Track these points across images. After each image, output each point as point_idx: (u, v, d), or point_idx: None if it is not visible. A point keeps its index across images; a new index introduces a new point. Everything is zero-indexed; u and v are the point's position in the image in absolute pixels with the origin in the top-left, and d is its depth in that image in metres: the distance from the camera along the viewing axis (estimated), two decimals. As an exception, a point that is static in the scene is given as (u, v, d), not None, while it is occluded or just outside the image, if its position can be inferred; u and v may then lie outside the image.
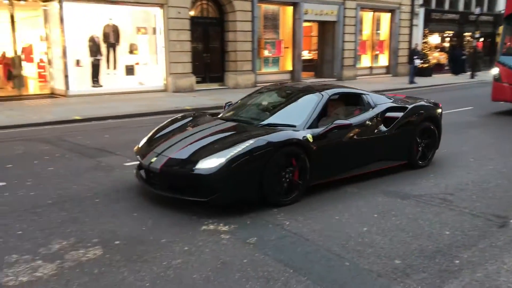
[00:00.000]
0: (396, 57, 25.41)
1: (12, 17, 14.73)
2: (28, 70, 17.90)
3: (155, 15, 16.91)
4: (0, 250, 4.11)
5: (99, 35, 15.95)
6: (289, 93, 6.70)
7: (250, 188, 5.02)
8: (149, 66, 17.14)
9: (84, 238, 4.36)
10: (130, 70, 16.81)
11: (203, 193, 4.90)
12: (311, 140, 5.45)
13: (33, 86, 17.43)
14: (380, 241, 4.39)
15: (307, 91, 6.49)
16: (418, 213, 5.12)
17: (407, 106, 6.79)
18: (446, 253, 4.12)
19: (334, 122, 5.65)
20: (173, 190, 5.15)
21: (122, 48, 16.55)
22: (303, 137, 5.39)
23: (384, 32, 25.55)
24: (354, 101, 6.63)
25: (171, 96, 15.93)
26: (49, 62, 16.13)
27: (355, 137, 6.00)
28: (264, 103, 6.70)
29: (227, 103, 7.25)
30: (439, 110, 7.33)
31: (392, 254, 4.11)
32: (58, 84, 15.59)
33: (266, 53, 20.52)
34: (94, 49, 15.90)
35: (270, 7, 20.49)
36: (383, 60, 25.79)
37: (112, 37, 16.26)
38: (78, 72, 15.58)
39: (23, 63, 16.66)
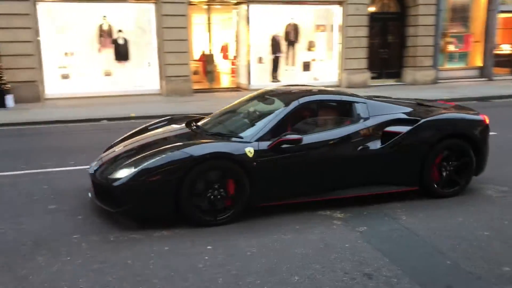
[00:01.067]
0: None
1: (208, 19, 16.91)
2: (224, 66, 20.32)
3: (334, 13, 17.45)
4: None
5: (280, 34, 17.20)
6: (266, 100, 5.85)
7: (163, 203, 4.57)
8: (325, 62, 17.81)
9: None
10: (306, 66, 17.73)
11: (113, 204, 4.65)
12: (250, 155, 4.73)
13: (225, 81, 19.67)
14: (496, 247, 4.18)
15: (279, 98, 5.60)
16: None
17: (419, 118, 5.41)
18: None
19: (282, 136, 4.84)
20: (98, 197, 4.95)
21: (301, 45, 17.54)
22: (243, 150, 4.72)
23: None
24: (345, 110, 5.55)
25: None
26: (237, 59, 18.02)
27: (325, 154, 5.08)
28: (239, 110, 5.99)
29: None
30: (481, 127, 5.65)
31: (503, 261, 3.91)
32: (242, 79, 17.38)
33: (451, 48, 19.28)
34: (275, 47, 17.21)
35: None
36: None
37: (292, 35, 17.36)
38: (260, 68, 17.12)
39: (220, 60, 19.04)
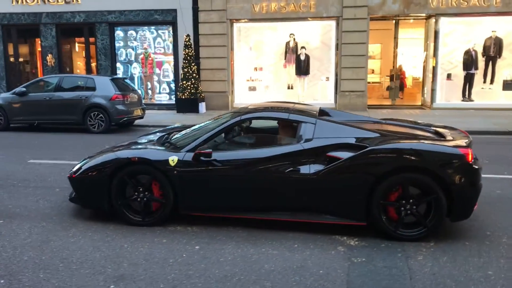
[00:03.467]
0: None
1: (394, 34, 16.31)
2: (411, 83, 19.26)
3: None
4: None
5: (477, 48, 15.43)
6: (225, 115, 5.68)
7: (100, 199, 5.09)
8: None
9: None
10: (508, 85, 15.43)
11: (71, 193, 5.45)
12: (172, 163, 4.84)
13: (411, 98, 18.54)
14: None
15: (231, 114, 5.52)
16: None
17: (366, 145, 4.57)
18: None
19: (199, 149, 4.88)
20: None
21: (503, 61, 15.37)
22: (166, 158, 4.89)
23: None
24: (291, 129, 5.22)
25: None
26: (425, 76, 16.89)
27: (247, 171, 4.78)
28: (204, 125, 5.79)
29: None
30: (457, 162, 4.43)
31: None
32: (427, 97, 16.19)
33: None
34: (469, 63, 15.50)
35: None
36: None
37: (492, 49, 15.37)
38: (448, 85, 15.71)
39: (409, 76, 18.20)
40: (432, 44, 15.64)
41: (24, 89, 12.18)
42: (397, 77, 17.08)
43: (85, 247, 4.52)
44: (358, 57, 15.39)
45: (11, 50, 17.46)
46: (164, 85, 17.00)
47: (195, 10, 15.81)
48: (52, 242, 4.66)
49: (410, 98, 18.16)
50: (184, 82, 15.35)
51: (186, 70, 15.30)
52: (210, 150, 4.87)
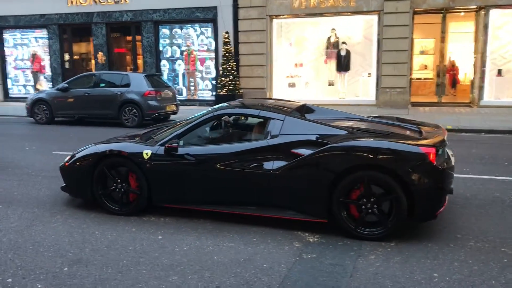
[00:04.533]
0: None
1: (443, 28, 15.53)
2: (462, 79, 18.23)
3: None
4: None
5: (532, 42, 14.37)
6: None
7: (84, 189, 5.39)
8: None
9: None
10: None
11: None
12: (146, 156, 5.05)
13: (460, 95, 17.58)
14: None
15: (208, 110, 5.51)
16: None
17: (327, 143, 4.49)
18: None
19: (168, 143, 5.04)
20: None
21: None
22: (141, 152, 5.11)
23: None
24: (261, 126, 5.15)
25: None
26: (476, 72, 15.96)
27: (214, 166, 4.87)
28: (187, 120, 5.71)
29: None
30: (417, 161, 4.23)
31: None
32: (476, 94, 15.29)
33: None
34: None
35: None
36: None
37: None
38: (499, 82, 14.75)
39: (459, 72, 17.31)
40: (482, 38, 14.74)
41: (66, 85, 13.00)
42: (443, 73, 16.26)
43: (60, 233, 4.81)
44: (400, 52, 14.85)
45: (66, 48, 18.61)
46: (207, 82, 17.36)
47: (235, 7, 16.02)
48: (35, 226, 5.00)
49: (463, 95, 17.25)
50: (223, 78, 15.60)
51: (224, 67, 15.55)
52: (176, 144, 5.01)
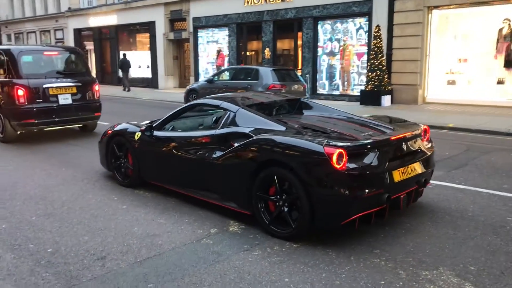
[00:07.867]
0: None
1: None
2: None
3: None
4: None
5: None
6: None
7: (105, 160, 6.39)
8: None
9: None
10: None
11: None
12: (136, 137, 5.76)
13: None
14: None
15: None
16: None
17: (252, 136, 4.52)
18: None
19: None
20: None
21: None
22: (134, 132, 5.82)
23: None
24: (218, 116, 5.43)
25: None
26: None
27: (173, 152, 5.37)
28: None
29: None
30: (314, 160, 3.86)
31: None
32: None
33: None
34: None
35: None
36: None
37: None
38: None
39: None
40: None
41: (212, 77, 14.56)
42: None
43: (72, 194, 5.89)
44: None
45: (242, 45, 20.53)
46: (362, 77, 16.96)
47: (391, 0, 15.21)
48: (57, 189, 6.14)
49: None
50: (369, 73, 15.08)
51: (372, 61, 14.99)
52: (143, 128, 5.74)
